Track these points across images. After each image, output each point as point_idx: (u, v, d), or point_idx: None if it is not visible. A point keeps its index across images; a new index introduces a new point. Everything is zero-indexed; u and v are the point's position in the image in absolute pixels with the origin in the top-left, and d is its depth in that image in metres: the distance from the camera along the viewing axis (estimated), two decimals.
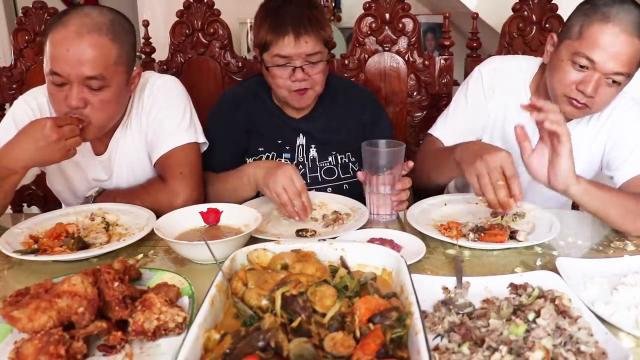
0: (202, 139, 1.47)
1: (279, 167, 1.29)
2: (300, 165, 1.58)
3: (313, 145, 1.60)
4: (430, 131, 1.55)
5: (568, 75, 1.30)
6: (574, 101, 1.30)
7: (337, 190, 1.57)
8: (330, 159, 1.61)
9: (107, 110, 1.28)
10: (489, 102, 1.49)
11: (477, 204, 1.35)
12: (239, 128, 1.57)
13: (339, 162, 1.62)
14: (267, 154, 1.57)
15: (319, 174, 1.59)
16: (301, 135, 1.60)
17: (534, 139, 1.18)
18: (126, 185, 1.46)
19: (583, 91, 1.27)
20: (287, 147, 1.59)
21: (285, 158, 1.58)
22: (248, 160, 1.56)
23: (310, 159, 1.60)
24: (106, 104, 1.26)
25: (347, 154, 1.62)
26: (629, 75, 1.26)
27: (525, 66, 1.48)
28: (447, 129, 1.52)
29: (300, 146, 1.60)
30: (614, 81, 1.25)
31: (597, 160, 1.43)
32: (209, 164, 1.50)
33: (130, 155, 1.44)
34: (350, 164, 1.62)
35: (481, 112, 1.50)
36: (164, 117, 1.41)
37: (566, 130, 1.09)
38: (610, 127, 1.39)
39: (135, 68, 1.32)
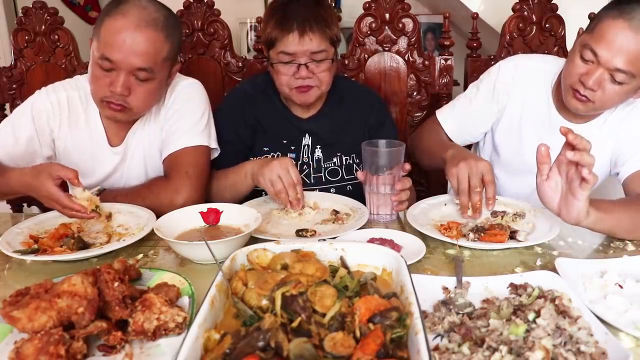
0: (214, 144, 1.48)
1: (276, 160, 1.34)
2: (305, 166, 1.59)
3: (319, 146, 1.60)
4: (437, 114, 1.61)
5: (575, 66, 1.30)
6: (577, 93, 1.30)
7: (340, 191, 1.58)
8: (335, 160, 1.61)
9: (147, 101, 1.36)
10: (504, 98, 1.49)
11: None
12: (245, 125, 1.58)
13: (344, 163, 1.62)
14: (272, 153, 1.58)
15: (323, 174, 1.60)
16: (307, 135, 1.60)
17: (553, 155, 1.10)
18: (135, 180, 1.48)
19: (584, 83, 1.27)
20: (293, 147, 1.59)
21: (290, 158, 1.58)
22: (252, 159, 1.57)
23: (315, 160, 1.60)
24: (148, 95, 1.33)
25: (352, 155, 1.62)
26: (633, 76, 1.24)
27: (549, 66, 1.48)
28: (452, 119, 1.56)
29: (306, 146, 1.60)
30: (616, 80, 1.25)
31: (607, 161, 1.44)
32: (213, 160, 1.51)
33: (145, 149, 1.48)
34: (354, 165, 1.62)
35: (490, 108, 1.52)
36: (181, 117, 1.44)
37: (594, 179, 1.00)
38: (622, 129, 1.40)
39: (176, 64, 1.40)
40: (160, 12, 1.30)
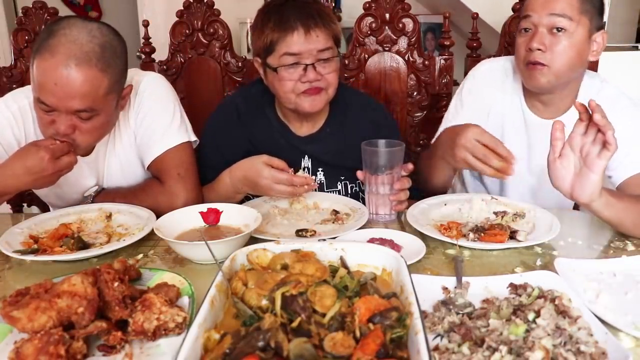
0: (193, 137, 1.45)
1: (256, 177, 1.27)
2: None
3: (320, 169, 1.50)
4: (432, 142, 1.51)
5: (520, 44, 1.37)
6: (529, 65, 1.33)
7: None
8: (339, 187, 1.51)
9: (96, 135, 1.27)
10: (485, 102, 1.49)
11: (482, 200, 1.33)
12: (236, 147, 1.45)
13: (349, 191, 1.52)
14: None
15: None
16: (307, 157, 1.49)
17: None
18: (115, 187, 1.44)
19: (531, 47, 1.31)
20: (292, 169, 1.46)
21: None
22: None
23: (318, 183, 1.49)
24: (95, 130, 1.24)
25: (357, 182, 1.50)
26: (571, 19, 1.29)
27: (513, 64, 1.49)
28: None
29: (306, 169, 1.49)
30: (558, 29, 1.30)
31: None
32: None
33: (120, 157, 1.42)
34: (360, 193, 1.50)
35: (478, 113, 1.49)
36: (154, 119, 1.38)
37: (615, 143, 1.02)
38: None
39: (125, 86, 1.28)
40: (93, 42, 1.16)
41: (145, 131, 1.39)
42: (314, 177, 1.29)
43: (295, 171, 1.28)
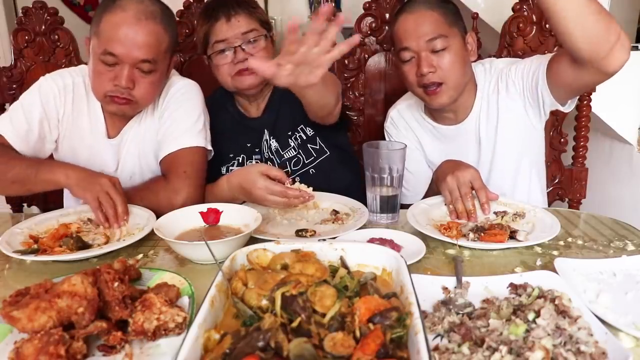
0: (209, 147, 1.48)
1: (251, 187, 1.27)
2: (269, 162, 1.61)
3: (273, 138, 1.62)
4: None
5: (408, 71, 1.42)
6: (426, 89, 1.41)
7: (304, 178, 1.58)
8: (290, 143, 1.61)
9: (151, 92, 1.39)
10: (411, 141, 1.61)
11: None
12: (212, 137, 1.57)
13: (298, 141, 1.61)
14: (237, 158, 1.61)
15: (289, 167, 1.61)
16: (265, 131, 1.63)
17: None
18: (129, 174, 1.49)
19: (422, 72, 1.38)
20: (257, 150, 1.62)
21: (255, 159, 1.62)
22: (222, 170, 1.61)
23: (275, 152, 1.62)
24: (151, 86, 1.36)
25: (299, 127, 1.62)
26: (446, 36, 1.37)
27: (413, 100, 1.61)
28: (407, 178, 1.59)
29: (265, 141, 1.63)
30: (438, 48, 1.37)
31: (526, 113, 1.48)
32: None
33: (139, 145, 1.48)
34: (308, 145, 1.61)
35: (416, 152, 1.62)
36: (177, 118, 1.44)
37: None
38: (508, 86, 1.46)
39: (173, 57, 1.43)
40: (156, 5, 1.34)
41: (166, 129, 1.44)
42: (310, 188, 1.30)
43: (293, 182, 1.30)
